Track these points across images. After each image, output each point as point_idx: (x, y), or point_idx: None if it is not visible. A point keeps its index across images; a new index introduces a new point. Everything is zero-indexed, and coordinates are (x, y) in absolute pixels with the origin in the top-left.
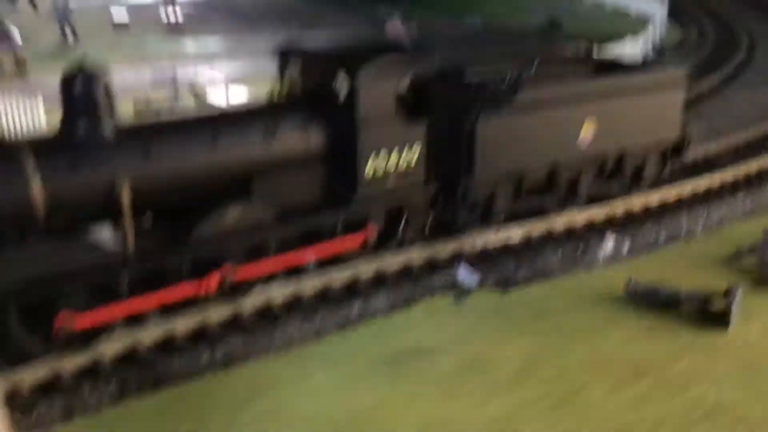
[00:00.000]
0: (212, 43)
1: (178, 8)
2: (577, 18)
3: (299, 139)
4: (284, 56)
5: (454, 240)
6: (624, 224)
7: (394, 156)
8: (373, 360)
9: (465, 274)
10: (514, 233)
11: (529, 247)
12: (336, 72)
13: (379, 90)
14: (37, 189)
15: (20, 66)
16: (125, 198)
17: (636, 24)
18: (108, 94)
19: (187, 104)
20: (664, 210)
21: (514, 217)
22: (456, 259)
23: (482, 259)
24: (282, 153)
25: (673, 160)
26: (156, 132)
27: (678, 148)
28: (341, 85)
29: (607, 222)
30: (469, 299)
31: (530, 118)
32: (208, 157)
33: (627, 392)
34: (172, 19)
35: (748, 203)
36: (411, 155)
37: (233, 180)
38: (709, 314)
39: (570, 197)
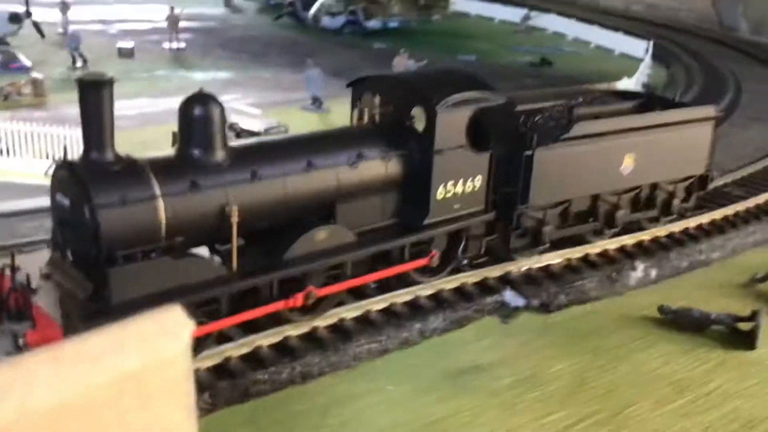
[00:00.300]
0: (221, 73)
1: (180, 35)
2: (566, 58)
3: (380, 166)
4: (357, 87)
5: (505, 264)
6: (651, 251)
7: (460, 184)
8: (436, 375)
9: (511, 296)
10: (557, 258)
11: (570, 271)
12: (411, 103)
13: (452, 123)
14: (161, 209)
15: (38, 89)
16: (234, 219)
17: (622, 63)
18: (222, 118)
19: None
20: (686, 239)
21: (558, 243)
22: (504, 281)
23: (527, 282)
24: (364, 179)
25: (698, 193)
26: (260, 156)
27: (703, 182)
28: (419, 116)
29: (637, 248)
30: (515, 320)
31: (579, 150)
32: (302, 182)
33: (670, 407)
34: (174, 46)
35: (758, 234)
36: (474, 183)
37: (320, 204)
38: (737, 335)
39: (607, 226)
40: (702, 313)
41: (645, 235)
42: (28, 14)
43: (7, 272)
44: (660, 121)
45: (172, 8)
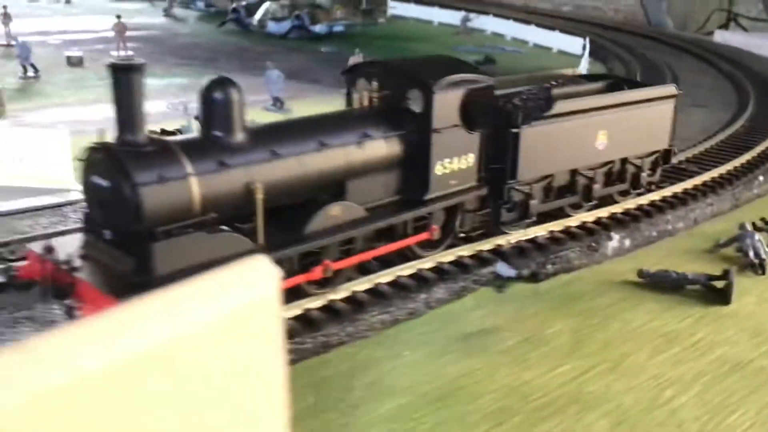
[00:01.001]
0: (176, 79)
1: (127, 44)
2: (507, 56)
3: (383, 145)
4: (351, 73)
5: (496, 237)
6: (624, 223)
7: (455, 161)
8: (446, 340)
9: (503, 268)
10: (542, 230)
11: (554, 243)
12: (408, 86)
13: (447, 103)
14: (195, 186)
15: None
16: (259, 195)
17: (561, 60)
18: (241, 101)
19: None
20: (653, 211)
21: (542, 216)
22: (497, 253)
23: (517, 254)
24: (370, 158)
25: (663, 166)
26: (277, 136)
27: (667, 156)
28: (415, 98)
29: (611, 220)
30: (509, 289)
31: (560, 127)
32: (316, 160)
33: (663, 356)
34: (122, 54)
35: (715, 206)
36: (467, 160)
37: (332, 181)
38: (712, 293)
39: (585, 199)
40: (679, 275)
41: (617, 208)
42: None
43: (47, 254)
44: (629, 99)
45: (119, 17)
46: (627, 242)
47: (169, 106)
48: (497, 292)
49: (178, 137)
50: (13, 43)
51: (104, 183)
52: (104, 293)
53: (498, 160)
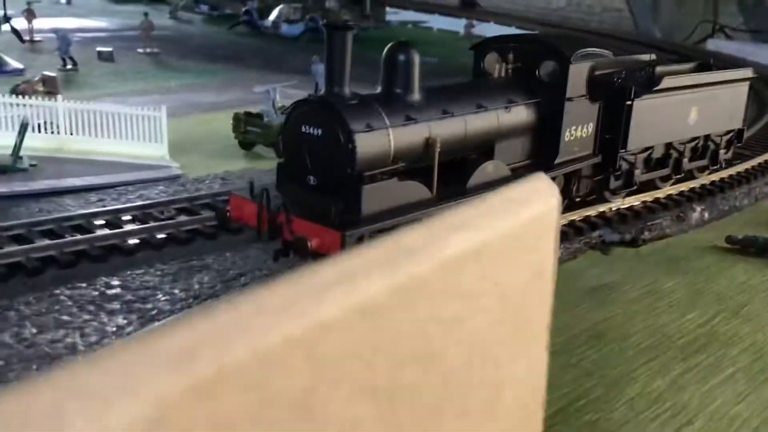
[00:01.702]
0: (216, 73)
1: (153, 42)
2: None
3: (523, 111)
4: (480, 48)
5: (603, 203)
6: (703, 196)
7: (579, 129)
8: (576, 293)
9: (608, 232)
10: (636, 200)
11: (648, 211)
12: (542, 57)
13: (579, 74)
14: (391, 137)
15: (51, 86)
16: (437, 149)
17: None
18: (420, 64)
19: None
20: (725, 186)
21: (642, 186)
22: (602, 218)
23: (619, 220)
24: (514, 122)
25: (736, 145)
26: (446, 97)
27: (740, 135)
28: (548, 68)
29: (692, 192)
30: (613, 252)
31: (663, 102)
32: (477, 121)
33: None
34: (149, 51)
35: None
36: (587, 130)
37: (486, 141)
38: None
39: (674, 171)
40: (766, 239)
41: (696, 182)
42: (7, 19)
43: (256, 199)
44: (716, 79)
45: (146, 14)
46: (706, 214)
47: (257, 91)
48: (604, 254)
49: (367, 93)
50: (38, 38)
51: (317, 131)
52: (326, 227)
53: (611, 130)
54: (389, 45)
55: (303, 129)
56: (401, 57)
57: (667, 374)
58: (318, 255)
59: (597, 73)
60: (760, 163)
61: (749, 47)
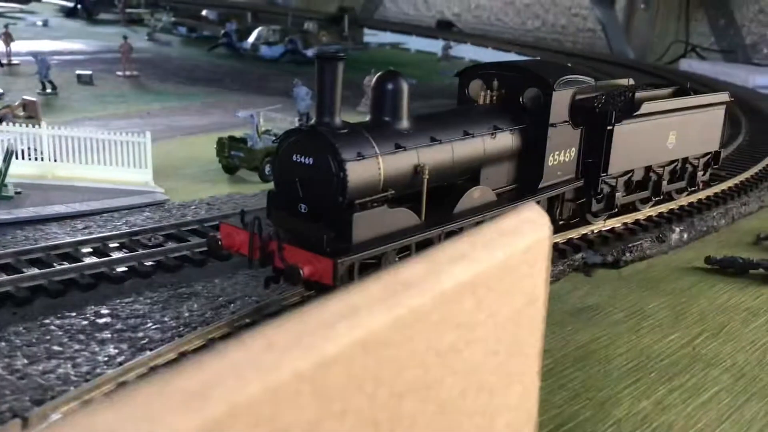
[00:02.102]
0: (198, 96)
1: (132, 64)
2: None
3: (508, 137)
4: (465, 75)
5: (584, 226)
6: (681, 217)
7: (562, 154)
8: (562, 315)
9: (590, 254)
10: (617, 222)
11: (629, 233)
12: (526, 85)
13: (562, 101)
14: (381, 165)
15: (31, 110)
16: (426, 176)
17: None
18: (408, 92)
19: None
20: (702, 207)
21: (623, 208)
22: (584, 241)
23: (600, 242)
24: (499, 148)
25: (713, 167)
26: (433, 124)
27: (717, 157)
28: (533, 95)
29: (670, 214)
30: (595, 274)
31: (642, 126)
32: (463, 147)
33: (754, 325)
34: (128, 74)
35: (749, 206)
36: (570, 154)
37: (472, 167)
38: None
39: (654, 194)
40: (744, 260)
41: (674, 204)
42: None
43: (246, 227)
44: (694, 104)
45: (125, 37)
46: (685, 235)
47: (240, 116)
48: (587, 276)
49: (357, 122)
50: (16, 61)
51: (309, 160)
52: (317, 254)
53: (592, 154)
54: (378, 74)
55: (294, 158)
56: (390, 86)
57: (652, 395)
58: (309, 282)
59: (579, 98)
60: (735, 184)
61: (721, 67)
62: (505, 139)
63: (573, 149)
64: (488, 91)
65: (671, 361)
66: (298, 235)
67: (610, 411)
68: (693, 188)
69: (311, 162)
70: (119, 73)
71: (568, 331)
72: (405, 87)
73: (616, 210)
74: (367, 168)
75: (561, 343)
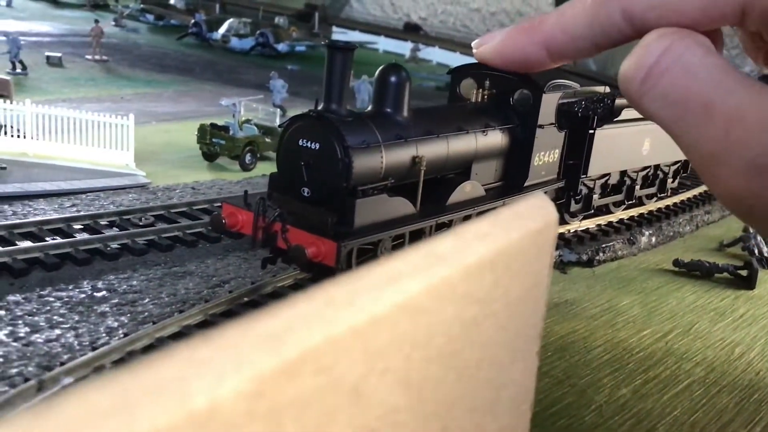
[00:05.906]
0: (173, 84)
1: (102, 49)
2: None
3: (498, 135)
4: (457, 74)
5: (565, 225)
6: (650, 221)
7: (547, 155)
8: None
9: (567, 253)
10: (591, 224)
11: (603, 234)
12: (516, 86)
13: (550, 103)
14: (384, 153)
15: (3, 89)
16: (423, 167)
17: None
18: (410, 85)
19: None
20: (670, 213)
21: (597, 210)
22: (563, 240)
23: (576, 242)
24: (489, 145)
25: (681, 174)
26: (431, 118)
27: (686, 165)
28: (523, 97)
29: (640, 218)
30: (571, 271)
31: (621, 132)
32: (458, 142)
33: (721, 324)
34: (98, 58)
35: (712, 215)
36: (554, 156)
37: (464, 162)
38: (738, 279)
39: (627, 198)
40: (710, 264)
41: (644, 209)
42: None
43: (249, 208)
44: None
45: (96, 21)
46: (653, 239)
47: (223, 104)
48: (563, 273)
49: (361, 111)
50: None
51: (315, 145)
52: (321, 237)
53: (573, 156)
54: (382, 67)
55: (300, 142)
56: (393, 78)
57: (630, 384)
58: (309, 264)
59: (563, 102)
60: (700, 192)
61: None
62: (495, 137)
63: (557, 151)
64: (480, 90)
65: (646, 354)
66: (301, 217)
67: (592, 397)
68: (662, 194)
69: (317, 147)
70: (89, 56)
71: (548, 322)
72: (407, 80)
73: (592, 211)
74: (371, 155)
75: (543, 333)
